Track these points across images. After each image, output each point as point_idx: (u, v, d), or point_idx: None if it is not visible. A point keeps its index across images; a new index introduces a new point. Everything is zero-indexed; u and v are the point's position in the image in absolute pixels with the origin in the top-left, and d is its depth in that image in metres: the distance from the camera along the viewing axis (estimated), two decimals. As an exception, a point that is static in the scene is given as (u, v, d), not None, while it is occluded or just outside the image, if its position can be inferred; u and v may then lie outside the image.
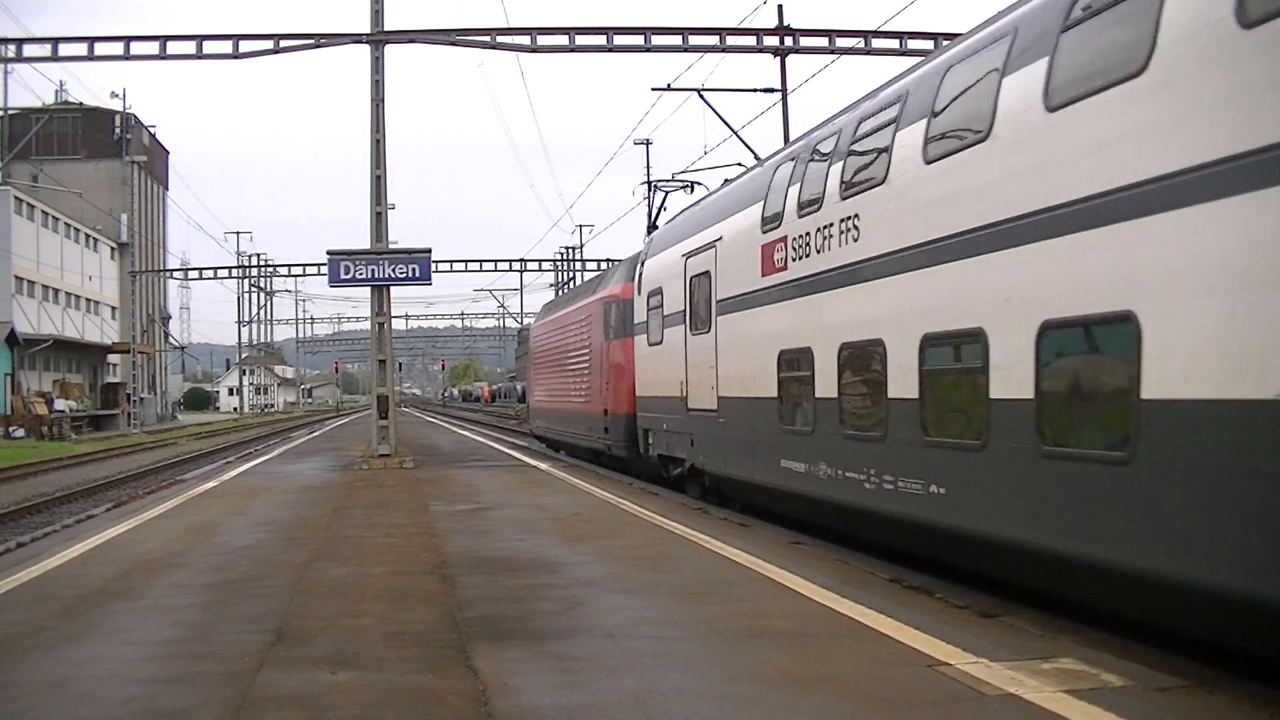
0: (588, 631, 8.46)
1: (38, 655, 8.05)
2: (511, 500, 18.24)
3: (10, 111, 48.91)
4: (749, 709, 6.48)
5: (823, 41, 25.67)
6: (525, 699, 6.70)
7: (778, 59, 26.36)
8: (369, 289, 26.66)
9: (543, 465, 25.99)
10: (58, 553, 13.18)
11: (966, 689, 6.69)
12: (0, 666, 7.76)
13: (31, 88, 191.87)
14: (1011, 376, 9.24)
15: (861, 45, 25.36)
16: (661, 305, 20.51)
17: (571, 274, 76.21)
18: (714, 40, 25.69)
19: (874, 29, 25.32)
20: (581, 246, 79.25)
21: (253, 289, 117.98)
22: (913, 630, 8.14)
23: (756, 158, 26.00)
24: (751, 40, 25.79)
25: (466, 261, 70.76)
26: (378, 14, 25.24)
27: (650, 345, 21.33)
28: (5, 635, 8.74)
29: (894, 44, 25.39)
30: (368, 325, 32.06)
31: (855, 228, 12.39)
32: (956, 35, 12.16)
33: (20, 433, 57.07)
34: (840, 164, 13.05)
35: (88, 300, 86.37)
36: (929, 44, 23.62)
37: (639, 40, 25.68)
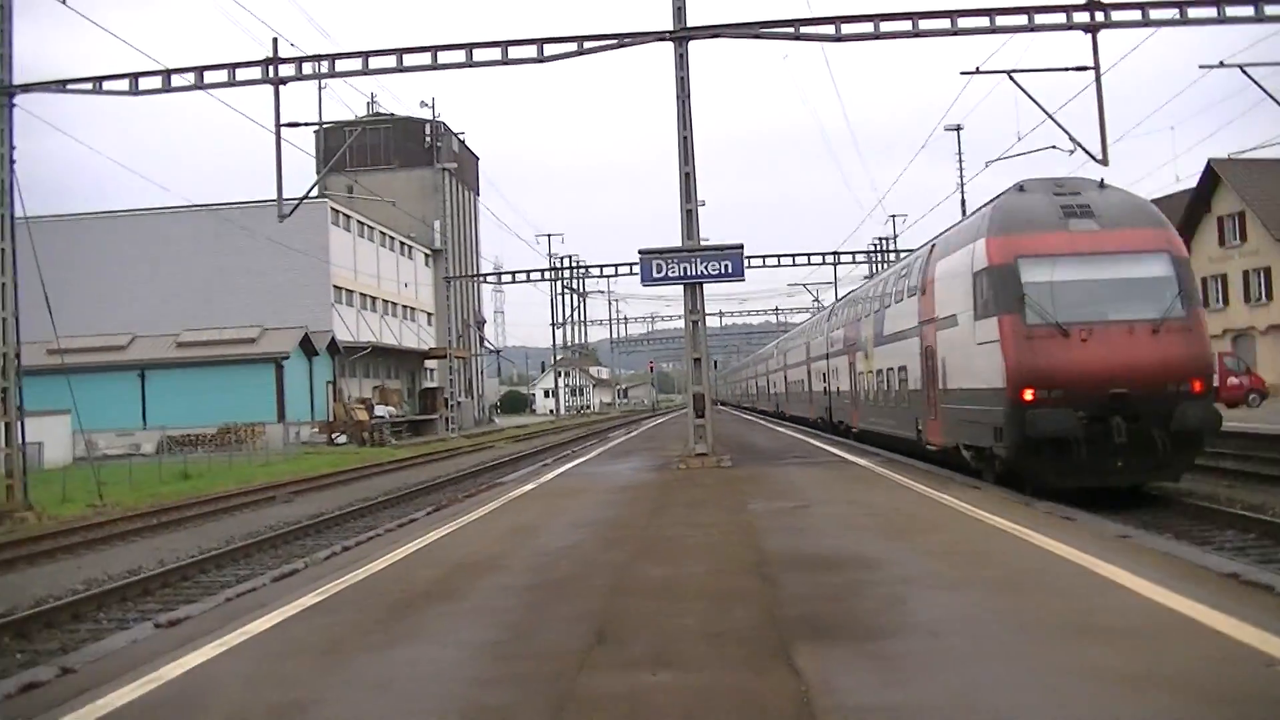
0: (908, 629, 8.41)
1: (365, 656, 8.44)
2: (829, 497, 18.20)
3: (325, 126, 52.35)
4: (1076, 704, 6.38)
5: (1136, 15, 24.42)
6: (848, 698, 6.70)
7: (1089, 35, 25.21)
8: (681, 287, 26.91)
9: (861, 461, 25.84)
10: (382, 556, 13.77)
11: (1311, 690, 6.38)
12: (331, 666, 8.19)
13: (345, 101, 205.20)
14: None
15: (1177, 16, 24.03)
16: None
17: (887, 266, 74.82)
18: (1022, 20, 24.76)
19: (1191, -3, 23.96)
20: (895, 237, 77.46)
21: (565, 290, 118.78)
22: (1250, 628, 7.77)
23: (1072, 139, 25.16)
24: (1060, 18, 24.73)
25: (779, 256, 68.23)
26: (679, 10, 25.51)
27: None
28: (336, 636, 9.20)
29: (1212, 12, 23.96)
30: (681, 324, 32.60)
31: None
32: None
33: (343, 439, 59.78)
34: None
35: (404, 307, 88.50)
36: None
37: (945, 24, 24.95)
